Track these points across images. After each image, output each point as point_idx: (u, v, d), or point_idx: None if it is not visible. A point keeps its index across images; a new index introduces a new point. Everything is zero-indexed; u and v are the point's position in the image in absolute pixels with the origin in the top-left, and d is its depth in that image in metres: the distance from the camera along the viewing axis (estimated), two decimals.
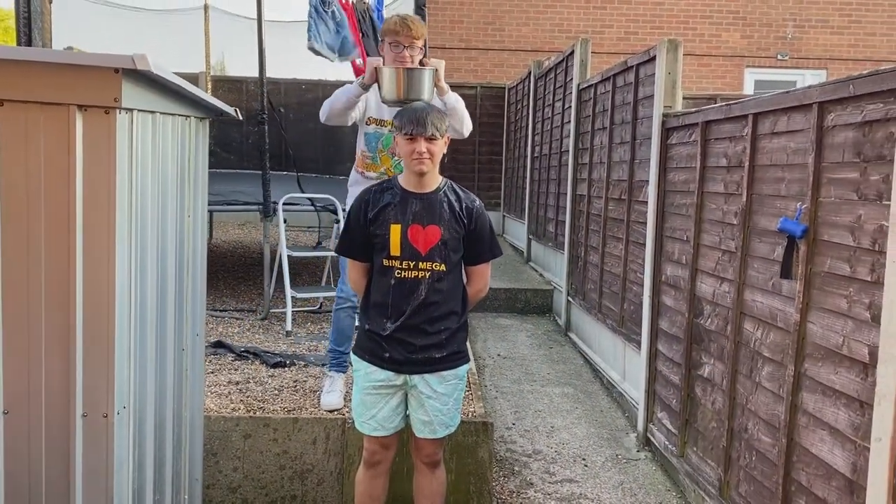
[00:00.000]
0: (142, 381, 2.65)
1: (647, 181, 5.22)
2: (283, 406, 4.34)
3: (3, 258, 2.29)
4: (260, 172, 6.55)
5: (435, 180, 3.34)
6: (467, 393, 4.54)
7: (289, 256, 6.22)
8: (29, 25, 6.82)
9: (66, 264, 2.30)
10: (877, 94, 2.74)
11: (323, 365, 5.04)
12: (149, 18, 12.46)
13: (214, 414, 4.14)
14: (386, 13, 8.02)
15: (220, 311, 6.61)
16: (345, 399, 4.30)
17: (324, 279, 7.05)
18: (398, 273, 3.26)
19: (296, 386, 4.70)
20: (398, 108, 3.56)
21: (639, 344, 5.26)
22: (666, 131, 4.91)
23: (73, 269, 2.30)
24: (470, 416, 4.25)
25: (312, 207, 7.05)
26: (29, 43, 6.81)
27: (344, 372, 4.41)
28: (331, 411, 4.26)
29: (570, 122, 7.90)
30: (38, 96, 2.25)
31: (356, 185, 4.15)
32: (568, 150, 7.96)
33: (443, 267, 3.28)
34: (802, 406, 3.14)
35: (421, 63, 3.91)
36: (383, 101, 3.91)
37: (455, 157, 11.90)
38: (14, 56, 2.30)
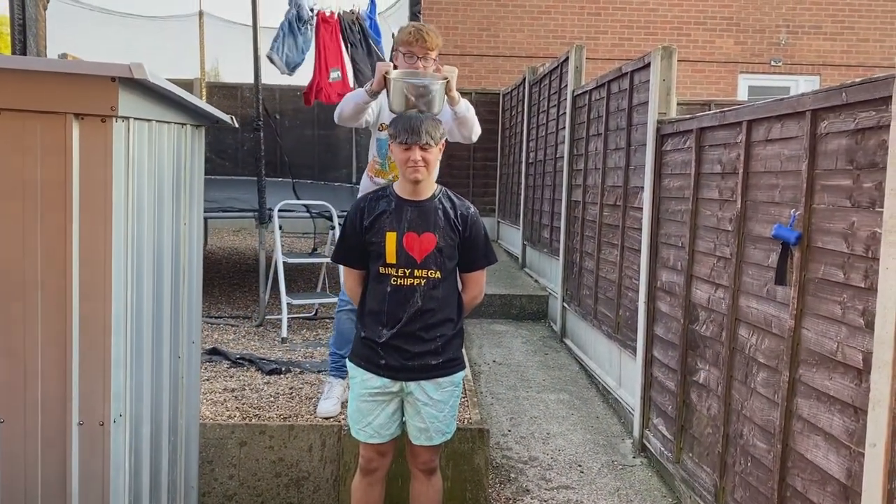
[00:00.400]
0: (138, 389, 2.65)
1: (642, 187, 5.23)
2: (278, 413, 4.34)
3: (0, 265, 2.30)
4: (255, 179, 6.56)
5: (430, 188, 3.35)
6: (463, 399, 4.54)
7: (284, 263, 6.22)
8: (24, 32, 6.80)
9: (63, 272, 2.30)
10: (869, 102, 2.76)
11: (320, 371, 5.04)
12: (143, 25, 12.45)
13: (210, 421, 4.13)
14: (379, 20, 8.05)
15: (216, 317, 6.60)
16: (342, 406, 4.30)
17: (319, 286, 7.05)
18: (394, 280, 3.27)
19: (291, 393, 4.70)
20: None
21: (634, 350, 5.27)
22: (661, 138, 4.92)
23: (69, 276, 2.31)
24: (466, 422, 4.25)
25: (308, 214, 7.05)
26: (24, 49, 6.79)
27: (343, 377, 4.37)
28: (327, 418, 4.25)
29: (564, 128, 7.92)
30: (34, 105, 2.25)
31: (366, 191, 4.10)
32: (563, 156, 7.97)
33: (438, 274, 3.29)
34: (797, 412, 3.15)
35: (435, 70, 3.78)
36: (392, 112, 3.75)
37: (450, 162, 11.90)
38: (11, 65, 2.30)
